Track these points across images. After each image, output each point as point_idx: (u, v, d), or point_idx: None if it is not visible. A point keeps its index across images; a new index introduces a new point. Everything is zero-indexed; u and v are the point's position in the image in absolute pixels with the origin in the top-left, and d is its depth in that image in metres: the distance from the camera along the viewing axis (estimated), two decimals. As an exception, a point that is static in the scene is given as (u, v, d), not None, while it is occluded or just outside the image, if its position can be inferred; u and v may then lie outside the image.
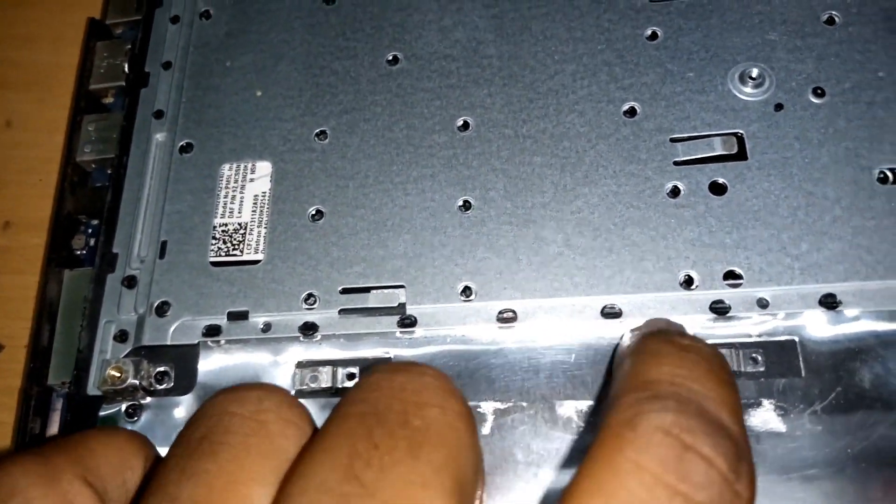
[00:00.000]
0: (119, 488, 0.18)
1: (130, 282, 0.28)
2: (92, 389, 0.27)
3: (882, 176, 0.26)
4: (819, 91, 0.28)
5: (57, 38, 0.38)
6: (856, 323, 0.25)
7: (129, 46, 0.33)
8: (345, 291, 0.27)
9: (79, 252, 0.31)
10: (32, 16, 0.39)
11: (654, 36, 0.29)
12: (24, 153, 0.36)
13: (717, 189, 0.27)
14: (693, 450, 0.15)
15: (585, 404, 0.25)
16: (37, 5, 0.39)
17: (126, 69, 0.33)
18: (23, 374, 0.29)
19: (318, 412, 0.25)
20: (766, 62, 0.28)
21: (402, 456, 0.14)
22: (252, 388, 0.17)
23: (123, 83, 0.33)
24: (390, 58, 0.31)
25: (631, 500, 0.15)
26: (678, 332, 0.22)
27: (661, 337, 0.20)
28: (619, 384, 0.18)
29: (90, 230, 0.31)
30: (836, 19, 0.29)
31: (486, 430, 0.25)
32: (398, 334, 0.26)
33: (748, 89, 0.28)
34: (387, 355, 0.26)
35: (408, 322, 0.26)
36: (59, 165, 0.32)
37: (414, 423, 0.15)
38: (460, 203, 0.28)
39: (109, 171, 0.31)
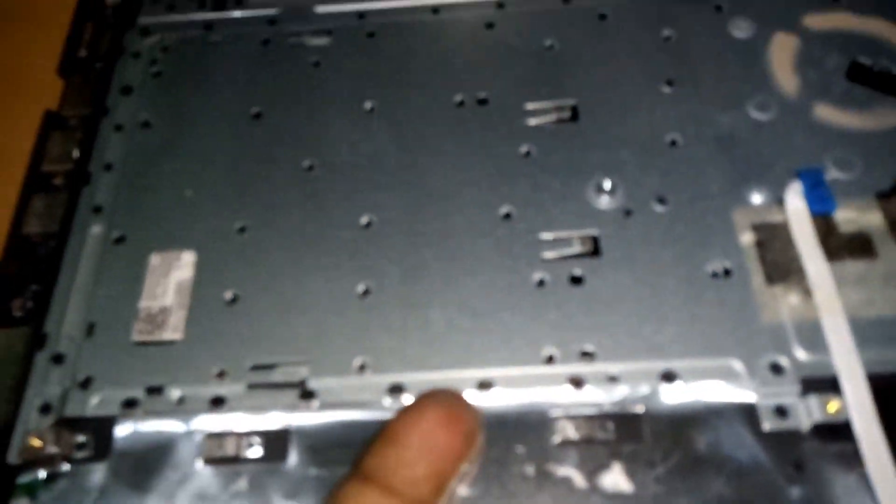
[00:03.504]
0: None
1: (58, 358, 0.31)
2: (13, 458, 0.29)
3: (713, 273, 0.31)
4: (662, 200, 0.33)
5: (12, 128, 0.41)
6: (691, 395, 0.29)
7: (80, 137, 0.37)
8: (254, 368, 0.30)
9: (16, 315, 0.33)
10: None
11: (528, 153, 0.35)
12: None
13: (576, 281, 0.31)
14: None
15: (460, 466, 0.28)
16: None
17: (75, 154, 0.37)
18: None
19: (224, 477, 0.28)
20: (618, 175, 0.34)
21: None
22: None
23: (72, 167, 0.36)
24: (306, 165, 0.35)
25: None
26: None
27: None
28: None
29: (28, 294, 0.34)
30: (678, 142, 0.35)
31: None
32: (299, 406, 0.30)
33: (603, 198, 0.33)
34: (288, 426, 0.29)
35: (308, 394, 0.30)
36: (5, 237, 0.35)
37: None
38: (361, 290, 0.32)
39: (52, 244, 0.34)
